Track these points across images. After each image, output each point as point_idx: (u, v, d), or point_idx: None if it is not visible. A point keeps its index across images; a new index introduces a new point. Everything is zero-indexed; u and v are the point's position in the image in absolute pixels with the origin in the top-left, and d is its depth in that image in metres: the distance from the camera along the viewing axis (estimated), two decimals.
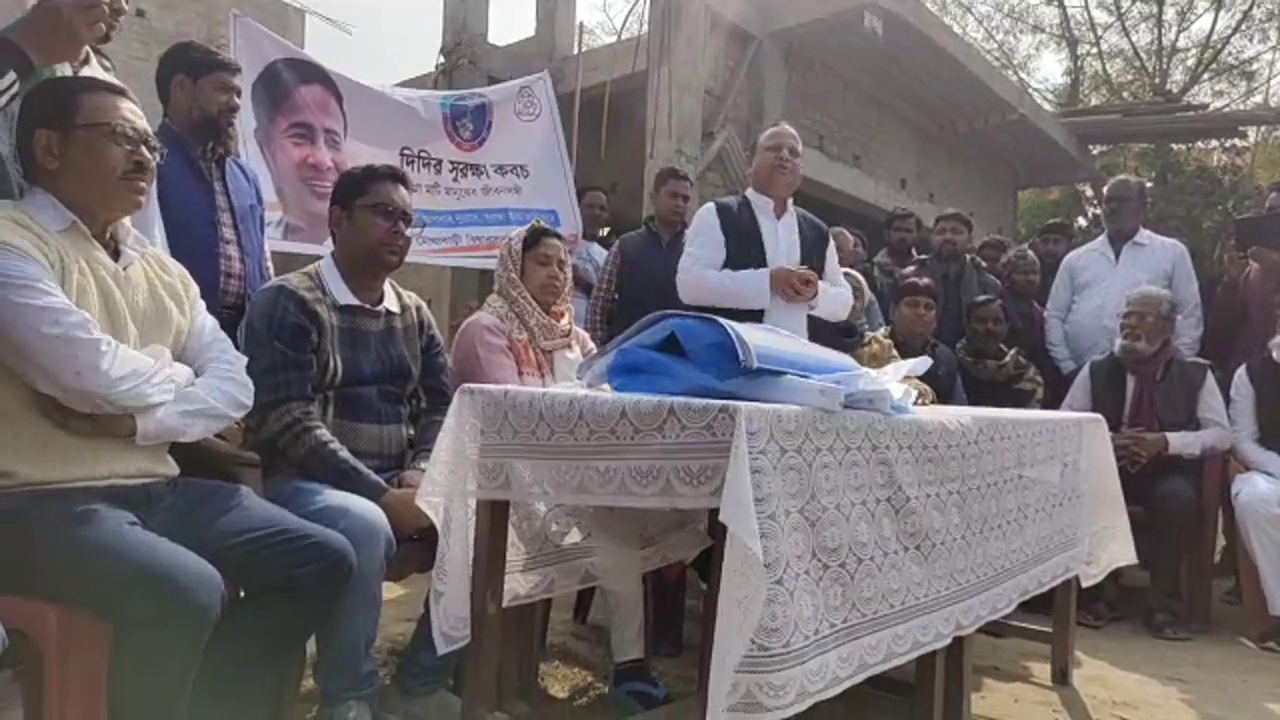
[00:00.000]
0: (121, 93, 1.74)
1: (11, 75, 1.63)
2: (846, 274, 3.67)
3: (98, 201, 1.68)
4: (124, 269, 1.73)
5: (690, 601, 2.95)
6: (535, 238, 2.68)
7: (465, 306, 5.69)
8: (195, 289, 1.91)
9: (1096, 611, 3.51)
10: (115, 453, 1.64)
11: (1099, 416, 2.87)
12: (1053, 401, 4.09)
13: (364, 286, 2.26)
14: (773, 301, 3.14)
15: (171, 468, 1.78)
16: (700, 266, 3.20)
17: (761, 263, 3.20)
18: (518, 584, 1.99)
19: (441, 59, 8.13)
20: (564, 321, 2.73)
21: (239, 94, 2.75)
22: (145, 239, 1.84)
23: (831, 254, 3.50)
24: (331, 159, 4.44)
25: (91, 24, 1.72)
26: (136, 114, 1.73)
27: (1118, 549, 2.78)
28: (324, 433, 2.07)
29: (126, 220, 1.77)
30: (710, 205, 3.31)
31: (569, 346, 2.74)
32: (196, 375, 1.80)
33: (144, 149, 1.71)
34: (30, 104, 1.68)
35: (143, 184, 1.72)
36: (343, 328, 2.19)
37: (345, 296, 2.22)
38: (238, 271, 2.73)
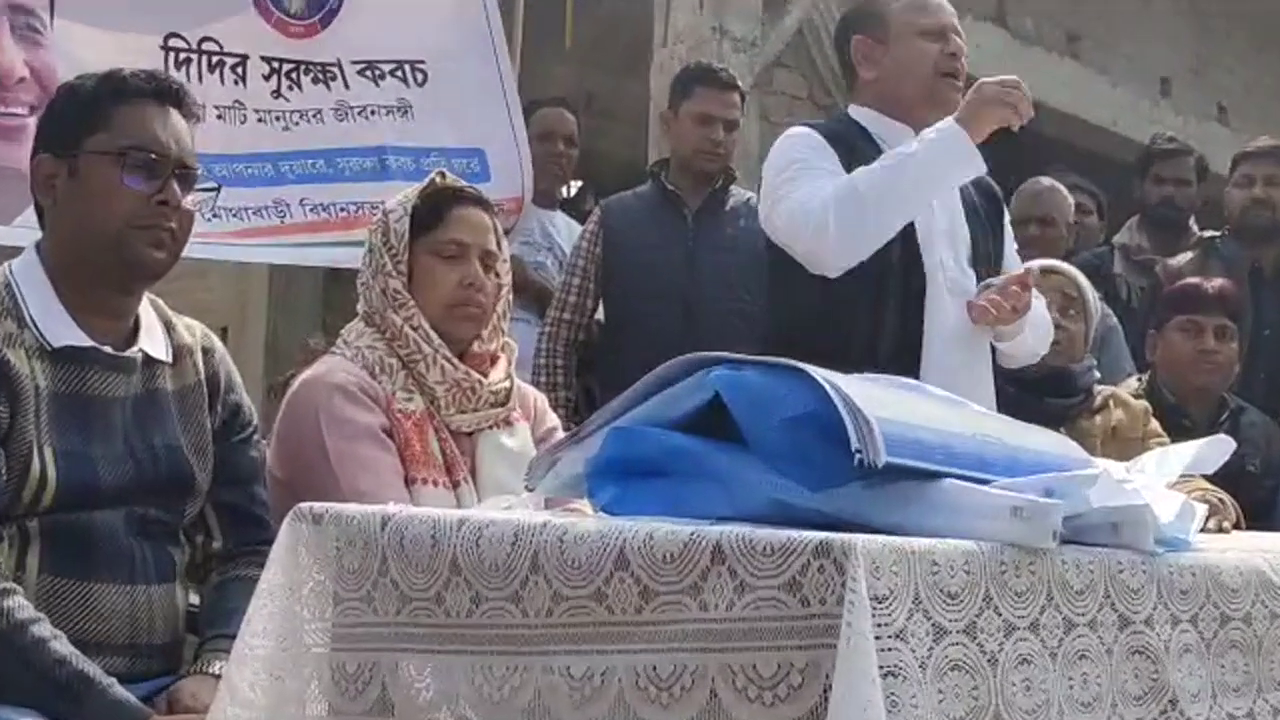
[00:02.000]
0: None
1: None
2: (1051, 270, 3.70)
3: None
4: None
5: None
6: (437, 207, 2.72)
7: (301, 347, 5.74)
8: None
9: None
10: None
11: None
12: None
13: (100, 310, 2.29)
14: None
15: None
16: (827, 179, 3.22)
17: (904, 241, 3.25)
18: None
19: None
20: (497, 375, 2.76)
21: None
22: None
23: (1009, 236, 3.58)
24: (25, 62, 4.51)
25: None
26: None
27: None
28: (21, 605, 2.07)
29: None
30: (805, 130, 3.34)
31: (506, 423, 2.77)
32: None
33: None
34: None
35: None
36: (58, 393, 2.21)
37: (64, 332, 2.24)
38: None
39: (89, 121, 2.29)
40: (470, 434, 2.69)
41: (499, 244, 2.79)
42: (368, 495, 2.36)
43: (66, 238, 2.29)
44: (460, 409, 2.67)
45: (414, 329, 2.65)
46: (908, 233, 3.23)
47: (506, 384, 2.77)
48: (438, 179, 2.79)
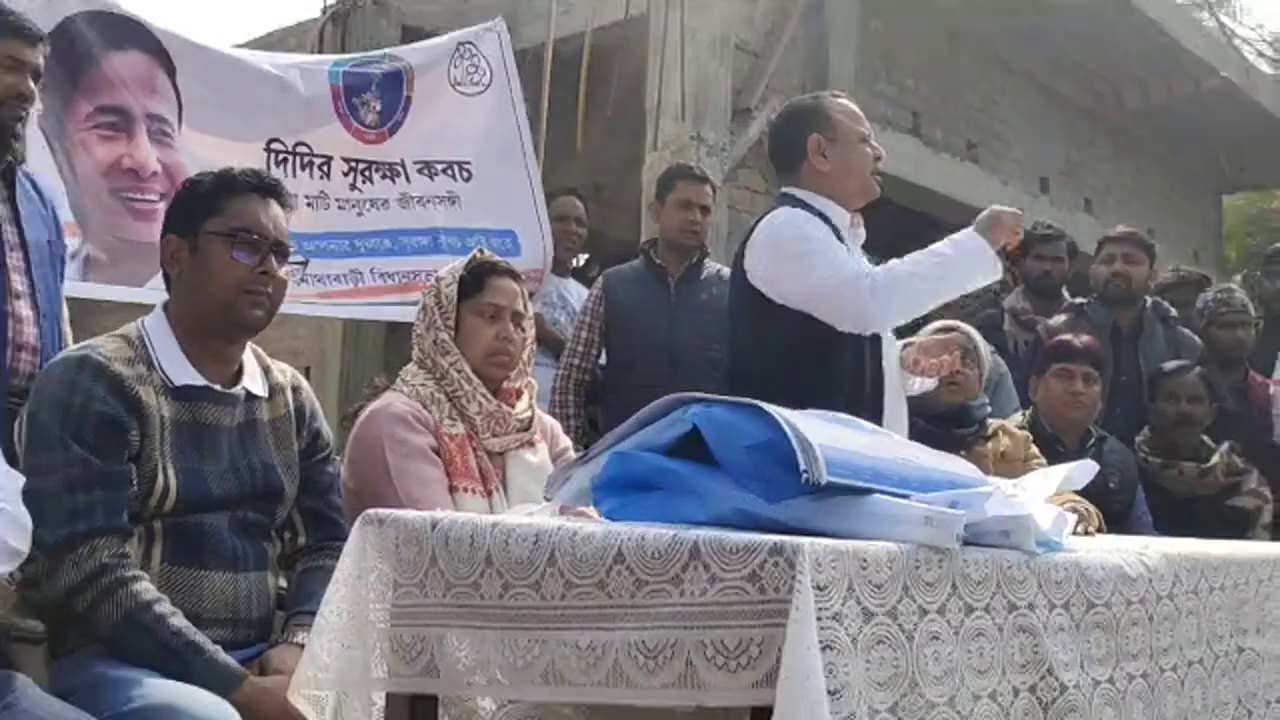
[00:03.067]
0: None
1: None
2: (949, 328, 3.70)
3: None
4: None
5: None
6: (479, 277, 2.73)
7: (367, 384, 5.73)
8: None
9: None
10: None
11: None
12: None
13: (212, 356, 2.29)
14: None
15: None
16: (864, 264, 3.17)
17: None
18: None
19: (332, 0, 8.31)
20: (522, 406, 2.76)
21: (34, 74, 2.77)
22: None
23: None
24: (158, 159, 4.52)
25: None
26: None
27: None
28: (147, 588, 2.07)
29: None
30: (802, 212, 3.27)
31: (529, 445, 2.76)
32: None
33: None
34: None
35: None
36: (179, 421, 2.21)
37: (183, 373, 2.24)
38: (31, 341, 2.76)
39: (207, 209, 2.29)
40: (501, 453, 2.69)
41: (525, 306, 2.80)
42: (420, 502, 2.37)
43: (187, 299, 2.29)
44: (493, 433, 2.67)
45: (458, 372, 2.66)
46: None
47: (529, 413, 2.77)
48: (479, 254, 2.80)
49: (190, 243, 2.29)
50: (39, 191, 2.93)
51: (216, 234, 2.27)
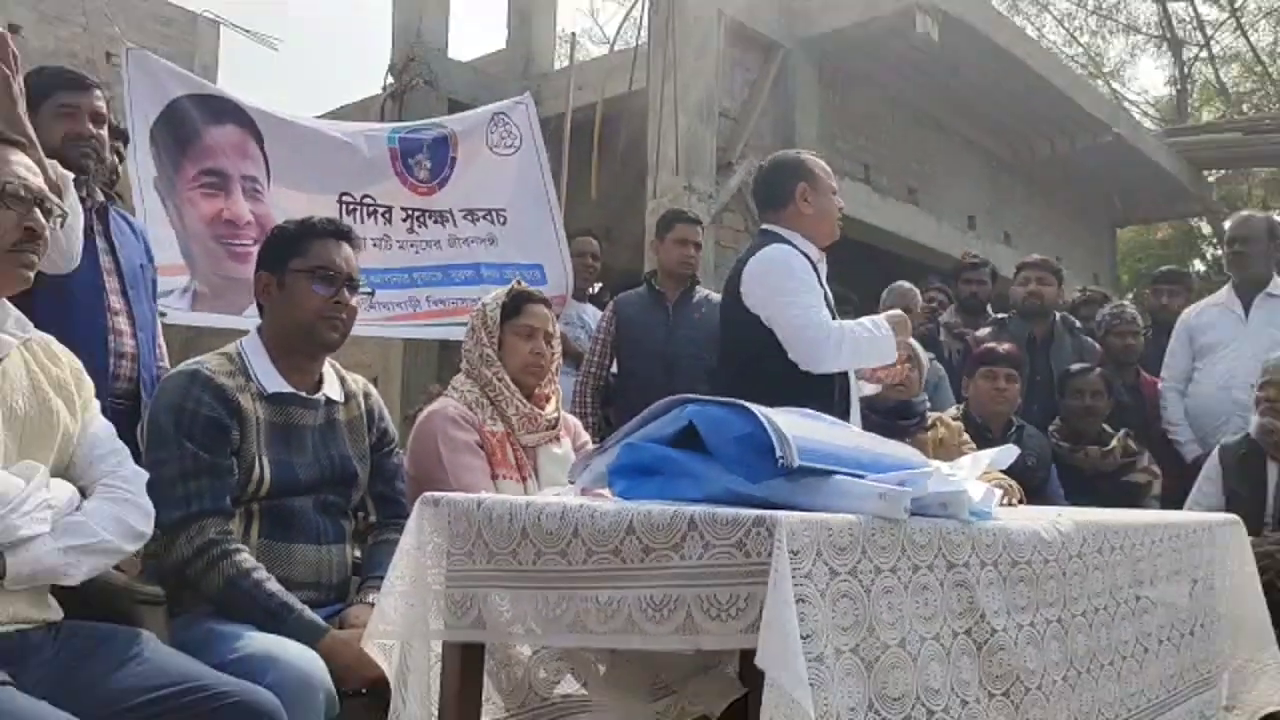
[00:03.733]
0: (13, 144, 1.79)
1: None
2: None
3: None
4: None
5: None
6: (517, 304, 2.73)
7: (424, 391, 5.74)
8: (90, 386, 1.94)
9: None
10: None
11: (1235, 518, 2.87)
12: (1173, 497, 4.08)
13: (298, 369, 2.29)
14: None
15: (53, 611, 1.78)
16: (828, 318, 3.18)
17: None
18: None
19: (390, 79, 8.33)
20: (550, 407, 2.76)
21: (95, 116, 2.75)
22: (27, 322, 1.86)
23: None
24: (251, 212, 4.55)
25: None
26: (30, 169, 1.78)
27: (1268, 688, 2.74)
28: (247, 558, 2.08)
29: (6, 300, 1.80)
30: (788, 248, 3.26)
31: (556, 439, 2.76)
32: (84, 495, 1.82)
33: (38, 212, 1.75)
34: None
35: (33, 257, 1.77)
36: (272, 422, 2.21)
37: (275, 382, 2.25)
38: (130, 350, 2.76)
39: (292, 250, 2.30)
40: (533, 446, 2.69)
41: (554, 327, 2.80)
42: (468, 487, 2.37)
43: (277, 324, 2.30)
44: (527, 431, 2.67)
45: (499, 380, 2.66)
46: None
47: (555, 414, 2.77)
48: (518, 285, 2.81)
49: (278, 278, 2.30)
50: (130, 225, 2.95)
51: (300, 271, 2.28)
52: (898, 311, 3.29)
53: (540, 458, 2.69)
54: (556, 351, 2.80)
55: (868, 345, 3.17)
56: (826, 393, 3.15)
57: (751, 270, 3.24)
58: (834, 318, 3.19)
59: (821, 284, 3.26)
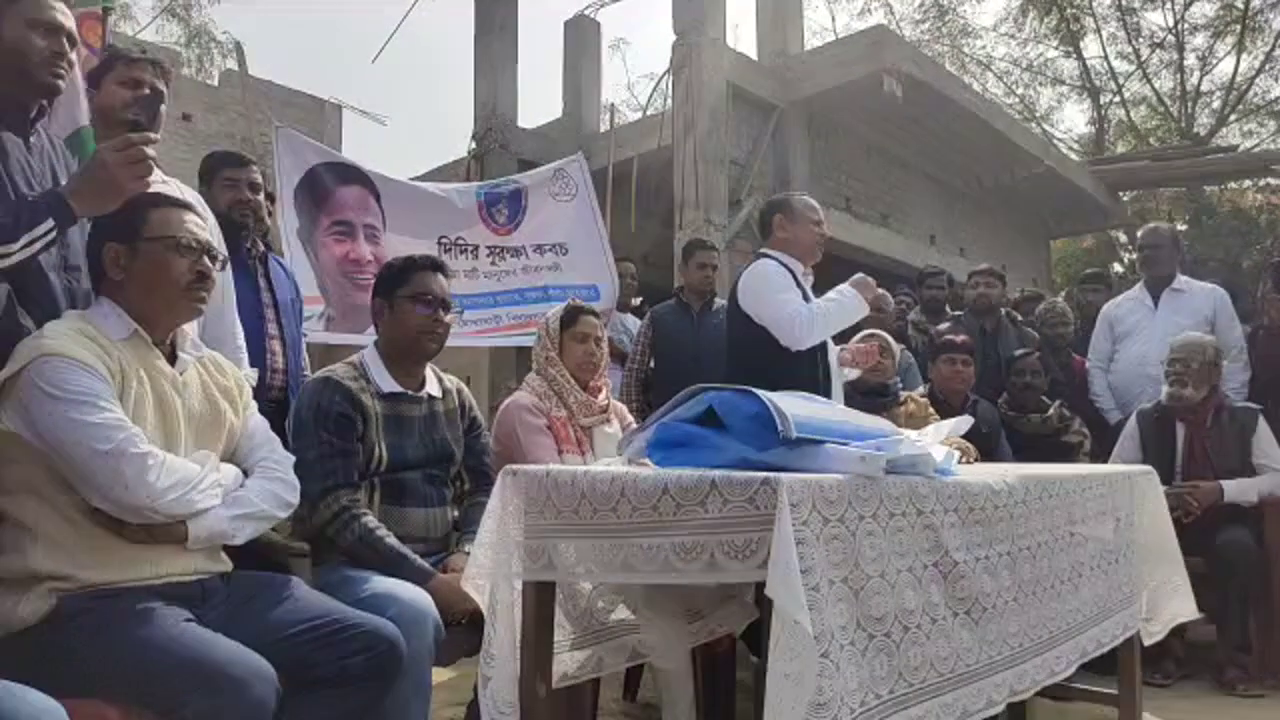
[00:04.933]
0: (187, 206, 1.82)
1: (50, 223, 1.65)
2: (872, 334, 3.67)
3: (161, 310, 1.75)
4: (180, 374, 1.79)
5: (741, 674, 2.89)
6: (572, 316, 2.73)
7: (505, 386, 5.76)
8: (249, 391, 1.97)
9: (1165, 670, 3.38)
10: (170, 554, 1.68)
11: (1150, 469, 2.81)
12: (1099, 454, 4.02)
13: (406, 373, 2.31)
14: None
15: (225, 564, 1.81)
16: (801, 304, 3.17)
17: None
18: (565, 664, 1.97)
19: (473, 144, 8.39)
20: (601, 397, 2.76)
21: (253, 186, 2.81)
22: (200, 343, 1.89)
23: None
24: (371, 253, 4.60)
25: (137, 178, 1.71)
26: (200, 226, 1.81)
27: (1179, 604, 2.69)
28: (371, 520, 2.10)
29: (186, 326, 1.84)
30: (771, 262, 3.26)
31: (607, 421, 2.76)
32: (246, 475, 1.84)
33: (206, 259, 1.78)
34: (102, 218, 1.75)
35: (204, 294, 1.79)
36: (387, 415, 2.23)
37: (388, 384, 2.26)
38: (281, 366, 2.82)
39: (399, 281, 2.31)
40: (589, 428, 2.69)
41: (602, 332, 2.80)
42: (539, 460, 2.39)
43: (389, 339, 2.32)
44: (585, 415, 2.67)
45: (561, 376, 2.67)
46: None
47: (606, 402, 2.77)
48: (573, 302, 2.82)
49: (389, 303, 2.31)
50: (282, 267, 2.99)
51: (405, 297, 2.29)
52: (859, 275, 3.24)
53: (596, 436, 2.69)
54: (604, 352, 2.79)
55: (837, 310, 3.15)
56: (811, 375, 3.12)
57: (743, 281, 3.26)
58: None
59: (802, 288, 3.24)
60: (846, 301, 3.17)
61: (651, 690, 2.82)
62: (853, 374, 3.45)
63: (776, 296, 3.15)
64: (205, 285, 1.78)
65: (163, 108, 2.26)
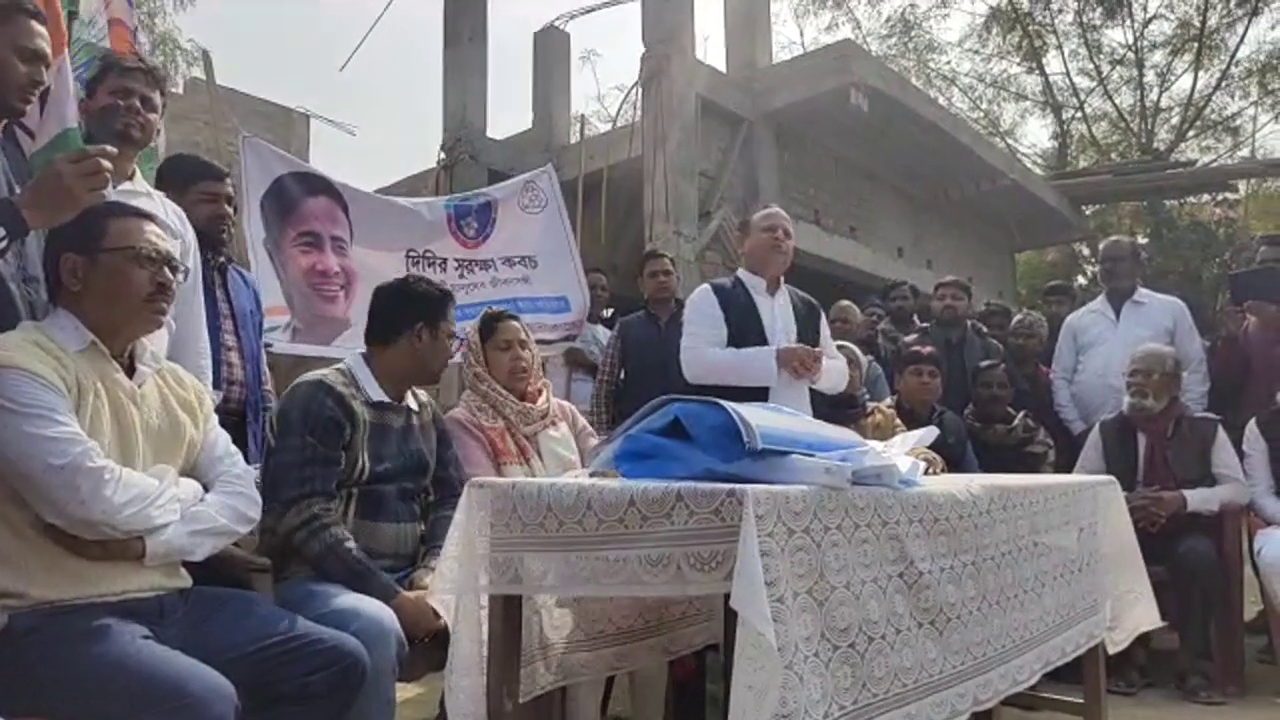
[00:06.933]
0: (148, 217, 1.79)
1: (1, 231, 1.63)
2: (840, 346, 3.69)
3: (120, 322, 1.72)
4: (139, 386, 1.76)
5: (711, 687, 2.88)
6: (490, 326, 2.68)
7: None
8: (209, 403, 1.94)
9: (1129, 679, 3.42)
10: (127, 570, 1.65)
11: (1112, 479, 2.85)
12: (1063, 464, 4.06)
13: (395, 386, 2.31)
14: (778, 378, 3.16)
15: (184, 580, 1.78)
16: (703, 345, 3.22)
17: (761, 340, 3.24)
18: (535, 677, 1.95)
19: (443, 155, 8.35)
20: (542, 400, 2.70)
21: (229, 200, 2.80)
22: (160, 355, 1.86)
23: (824, 328, 3.53)
24: (338, 264, 4.54)
25: (92, 190, 1.68)
26: (161, 237, 1.79)
27: (1142, 612, 2.72)
28: (341, 531, 2.07)
29: (144, 338, 1.81)
30: (705, 287, 3.36)
31: (552, 424, 2.69)
32: (206, 489, 1.82)
33: (167, 270, 1.76)
34: (59, 228, 1.72)
35: (164, 305, 1.76)
36: (373, 423, 2.21)
37: (376, 393, 2.25)
38: (239, 378, 2.78)
39: (441, 313, 2.38)
40: (532, 435, 2.63)
41: (527, 334, 2.70)
42: (473, 473, 2.34)
43: (415, 360, 2.33)
44: (524, 423, 2.61)
45: (493, 390, 2.61)
46: (759, 330, 3.25)
47: (546, 405, 2.69)
48: (489, 311, 2.75)
49: (432, 331, 2.33)
50: (242, 277, 2.96)
51: (449, 334, 2.38)
52: (799, 347, 3.20)
53: (541, 442, 2.63)
54: (534, 354, 2.71)
55: (739, 365, 3.16)
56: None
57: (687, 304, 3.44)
58: (759, 338, 3.22)
59: (754, 306, 3.28)
60: (754, 365, 3.16)
61: (622, 704, 2.81)
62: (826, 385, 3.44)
63: (688, 326, 3.31)
64: (165, 297, 1.76)
65: (155, 116, 2.31)
